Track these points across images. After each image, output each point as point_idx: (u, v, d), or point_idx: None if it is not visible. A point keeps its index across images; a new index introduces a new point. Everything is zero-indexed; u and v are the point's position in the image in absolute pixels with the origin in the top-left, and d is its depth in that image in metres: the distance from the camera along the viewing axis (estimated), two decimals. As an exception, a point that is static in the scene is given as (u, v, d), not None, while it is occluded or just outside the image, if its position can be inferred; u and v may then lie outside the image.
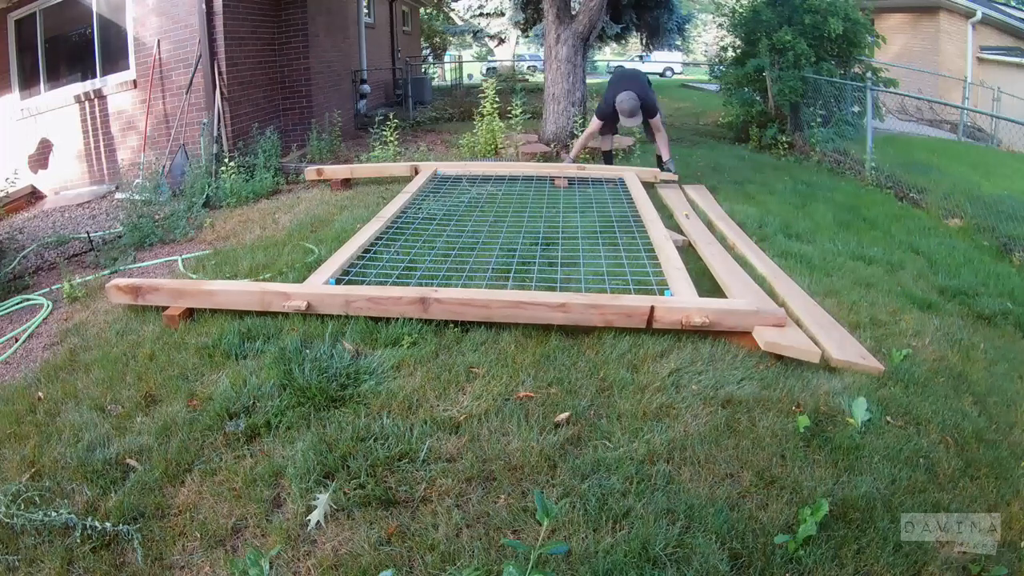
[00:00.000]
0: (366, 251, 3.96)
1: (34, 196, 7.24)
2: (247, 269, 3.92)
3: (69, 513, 1.95)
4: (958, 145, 11.34)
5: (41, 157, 7.49)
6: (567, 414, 2.39)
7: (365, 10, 12.03)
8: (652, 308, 2.87)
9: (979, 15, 14.29)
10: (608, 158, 6.39)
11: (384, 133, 7.12)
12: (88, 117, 7.09)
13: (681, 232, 4.43)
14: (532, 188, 5.52)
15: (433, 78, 19.30)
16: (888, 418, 2.45)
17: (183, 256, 4.43)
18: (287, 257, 4.10)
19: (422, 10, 20.31)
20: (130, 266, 4.40)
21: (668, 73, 29.60)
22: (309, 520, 1.87)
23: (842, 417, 2.41)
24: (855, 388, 2.60)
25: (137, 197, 5.86)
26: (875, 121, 8.30)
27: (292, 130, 8.01)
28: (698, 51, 33.69)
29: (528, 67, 26.81)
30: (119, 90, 6.87)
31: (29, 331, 3.46)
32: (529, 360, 2.74)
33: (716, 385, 2.57)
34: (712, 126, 11.35)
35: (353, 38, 10.83)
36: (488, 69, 24.87)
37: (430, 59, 23.50)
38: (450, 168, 6.06)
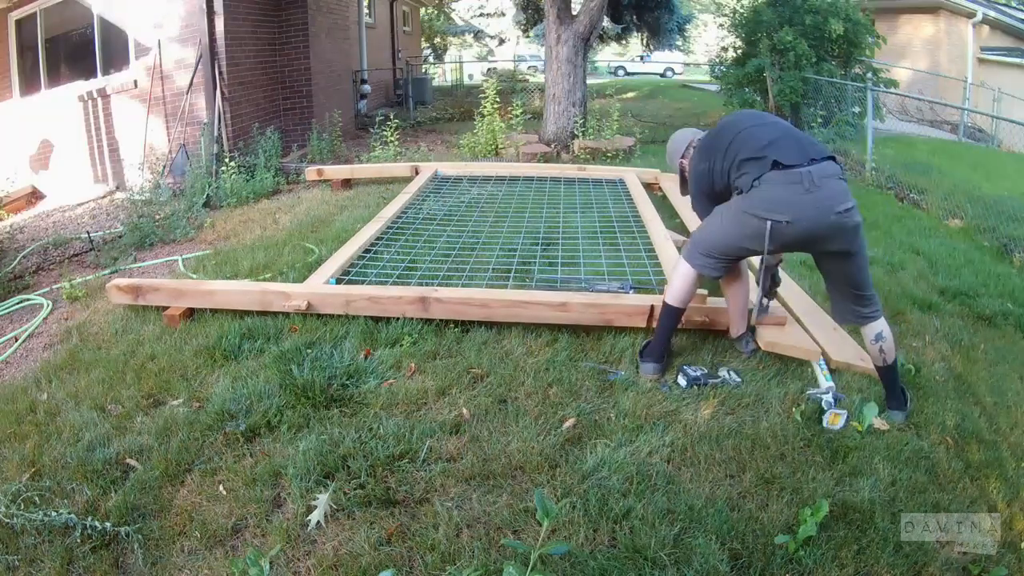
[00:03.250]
0: (366, 251, 3.96)
1: (34, 196, 7.24)
2: (247, 269, 3.92)
3: (69, 513, 1.95)
4: (959, 146, 11.32)
5: (41, 157, 7.49)
6: (567, 414, 2.39)
7: (366, 10, 12.02)
8: (652, 307, 2.88)
9: (980, 15, 14.27)
10: None
11: (384, 133, 7.12)
12: (88, 117, 7.08)
13: (685, 231, 4.42)
14: (532, 188, 5.53)
15: (433, 78, 19.27)
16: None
17: (183, 256, 4.43)
18: (287, 257, 4.10)
19: (423, 10, 20.31)
20: (130, 266, 4.40)
21: (669, 74, 29.59)
22: (309, 520, 1.87)
23: (842, 417, 2.40)
24: (855, 388, 2.60)
25: (137, 197, 5.87)
26: (875, 122, 8.27)
27: (292, 130, 8.01)
28: (699, 51, 33.66)
29: (528, 67, 26.77)
30: (119, 90, 6.87)
31: (29, 331, 3.46)
32: (529, 360, 2.75)
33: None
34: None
35: (353, 38, 10.83)
36: (488, 69, 24.84)
37: (431, 59, 23.50)
38: (450, 169, 6.07)
